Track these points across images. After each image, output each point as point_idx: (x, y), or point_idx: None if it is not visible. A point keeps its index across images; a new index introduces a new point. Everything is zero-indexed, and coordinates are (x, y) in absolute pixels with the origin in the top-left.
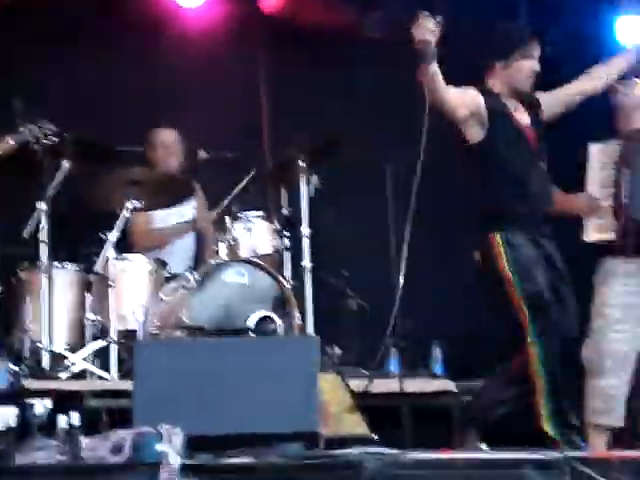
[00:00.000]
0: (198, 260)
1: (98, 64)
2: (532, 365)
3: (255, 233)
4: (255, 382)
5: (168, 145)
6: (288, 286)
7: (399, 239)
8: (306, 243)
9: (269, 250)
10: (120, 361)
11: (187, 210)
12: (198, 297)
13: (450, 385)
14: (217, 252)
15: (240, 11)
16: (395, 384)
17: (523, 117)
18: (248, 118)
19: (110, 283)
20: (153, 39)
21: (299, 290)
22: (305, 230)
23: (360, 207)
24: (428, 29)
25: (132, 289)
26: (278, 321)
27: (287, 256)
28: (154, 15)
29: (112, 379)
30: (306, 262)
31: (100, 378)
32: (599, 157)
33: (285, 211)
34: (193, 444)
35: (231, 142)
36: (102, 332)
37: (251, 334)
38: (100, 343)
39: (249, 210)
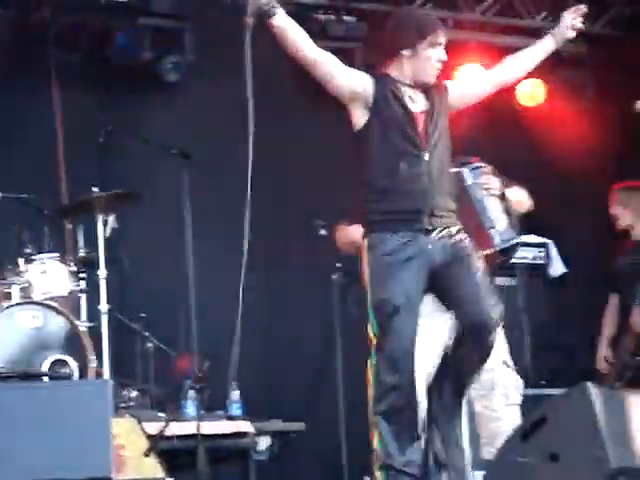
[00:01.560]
0: None
1: None
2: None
3: (50, 275)
4: (48, 427)
5: None
6: (84, 329)
7: (199, 280)
8: (103, 285)
9: (65, 292)
10: None
11: None
12: None
13: (247, 426)
14: (10, 295)
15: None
16: (192, 426)
17: (420, 105)
18: (44, 156)
19: None
20: None
21: (96, 333)
22: (102, 272)
23: (158, 248)
24: None
25: None
26: (73, 365)
27: (83, 298)
28: None
29: None
30: (103, 304)
31: None
32: None
33: (81, 252)
34: None
35: (25, 182)
36: None
37: (45, 378)
38: None
39: (44, 252)
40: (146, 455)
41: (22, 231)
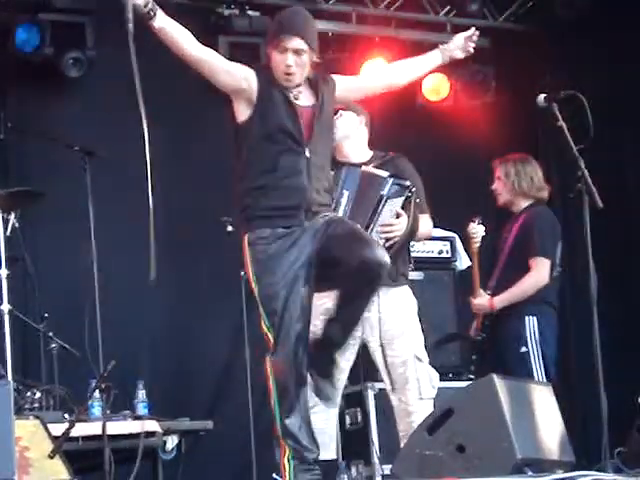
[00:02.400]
0: None
1: None
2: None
3: None
4: None
5: None
6: None
7: (103, 279)
8: (4, 284)
9: None
10: None
11: None
12: None
13: (154, 425)
14: None
15: None
16: (98, 427)
17: (305, 100)
18: None
19: None
20: None
21: None
22: (3, 272)
23: (61, 246)
24: None
25: None
26: None
27: None
28: None
29: None
30: (4, 304)
31: None
32: None
33: None
34: None
35: None
36: None
37: None
38: None
39: None
40: (51, 457)
41: None
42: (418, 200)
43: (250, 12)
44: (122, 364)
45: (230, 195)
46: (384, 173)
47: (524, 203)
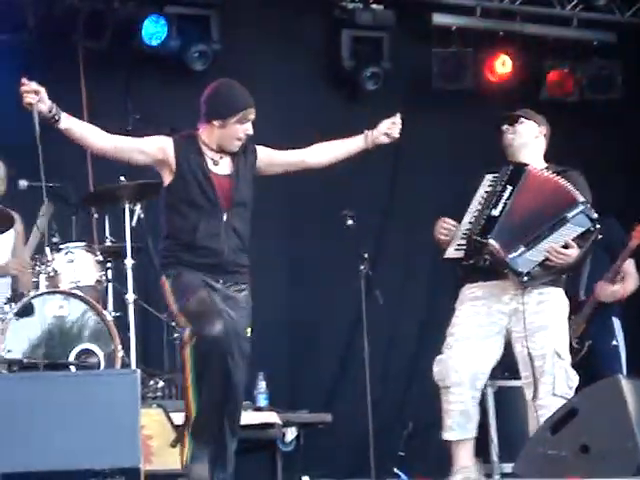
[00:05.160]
0: (16, 291)
1: None
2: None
3: (77, 264)
4: (75, 417)
5: None
6: (111, 318)
7: None
8: (130, 274)
9: (91, 282)
10: None
11: (5, 240)
12: (16, 330)
13: (274, 417)
14: (37, 284)
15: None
16: None
17: (224, 168)
18: (71, 145)
19: None
20: None
21: (123, 322)
22: (129, 261)
23: None
24: (30, 92)
25: None
26: (100, 354)
27: (110, 288)
28: None
29: None
30: (130, 294)
31: None
32: (487, 184)
33: (108, 242)
34: None
35: (54, 171)
36: None
37: (72, 367)
38: None
39: (71, 241)
40: (173, 446)
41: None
42: (600, 237)
43: (374, 5)
44: None
45: (353, 187)
46: (580, 197)
47: None
